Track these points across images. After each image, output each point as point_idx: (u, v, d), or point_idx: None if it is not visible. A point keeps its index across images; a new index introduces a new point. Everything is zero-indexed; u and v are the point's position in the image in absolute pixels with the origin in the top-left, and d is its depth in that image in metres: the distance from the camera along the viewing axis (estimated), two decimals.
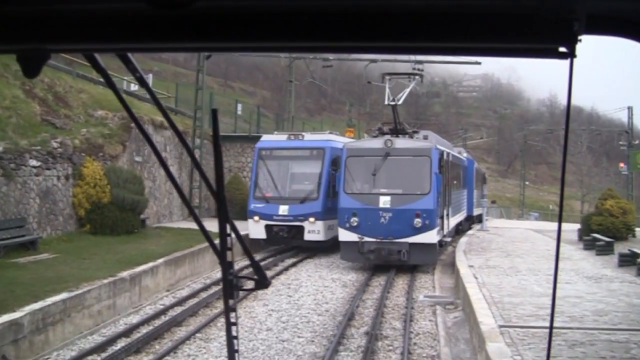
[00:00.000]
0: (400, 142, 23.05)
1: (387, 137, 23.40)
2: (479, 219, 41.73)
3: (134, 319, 15.72)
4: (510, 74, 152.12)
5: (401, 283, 21.38)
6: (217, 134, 2.05)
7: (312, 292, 19.27)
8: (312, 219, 25.78)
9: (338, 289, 19.96)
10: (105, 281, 15.80)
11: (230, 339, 2.25)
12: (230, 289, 2.18)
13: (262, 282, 2.21)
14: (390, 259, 22.34)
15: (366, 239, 22.34)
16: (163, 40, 1.37)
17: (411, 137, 24.21)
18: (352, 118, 62.50)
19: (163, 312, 16.30)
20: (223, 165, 2.16)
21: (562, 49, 1.35)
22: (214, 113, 2.05)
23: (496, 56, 1.43)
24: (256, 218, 26.40)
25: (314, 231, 25.94)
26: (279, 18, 1.32)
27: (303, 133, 29.77)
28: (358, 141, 27.09)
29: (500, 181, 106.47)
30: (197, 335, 14.34)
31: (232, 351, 2.26)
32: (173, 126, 2.00)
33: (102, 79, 1.81)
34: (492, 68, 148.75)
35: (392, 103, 24.27)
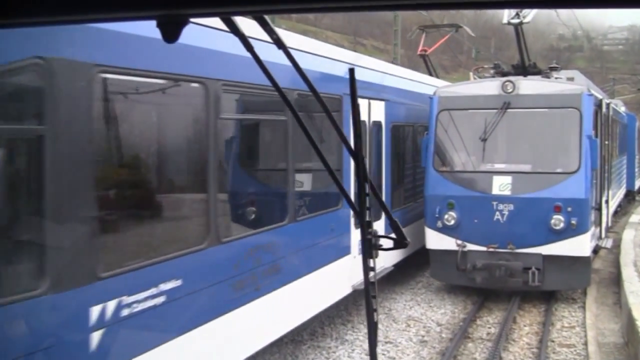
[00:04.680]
0: (529, 86, 13.75)
1: (508, 78, 14.19)
2: (639, 191, 34.99)
3: None
4: None
5: (527, 329, 12.36)
6: (354, 94, 2.05)
7: (359, 359, 10.56)
8: None
9: (410, 347, 11.14)
10: None
11: (369, 298, 2.25)
12: (370, 248, 2.24)
13: (401, 242, 2.27)
14: (511, 282, 13.27)
15: (470, 247, 13.38)
16: (300, 0, 1.29)
17: (547, 77, 14.80)
18: (479, 68, 52.11)
19: None
20: (361, 124, 2.12)
21: None
22: (351, 73, 2.03)
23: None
24: None
25: None
26: None
27: None
28: (458, 85, 15.67)
29: None
30: None
31: (370, 310, 2.27)
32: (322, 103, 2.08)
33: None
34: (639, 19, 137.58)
35: (515, 21, 14.82)
